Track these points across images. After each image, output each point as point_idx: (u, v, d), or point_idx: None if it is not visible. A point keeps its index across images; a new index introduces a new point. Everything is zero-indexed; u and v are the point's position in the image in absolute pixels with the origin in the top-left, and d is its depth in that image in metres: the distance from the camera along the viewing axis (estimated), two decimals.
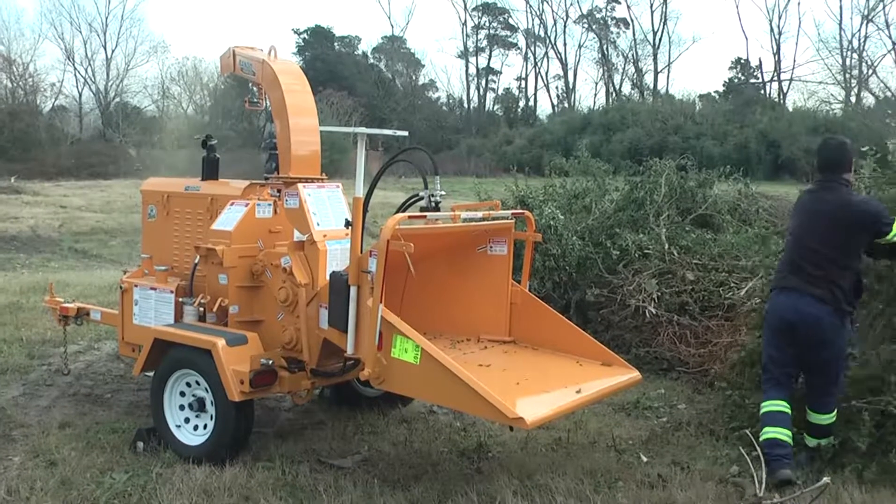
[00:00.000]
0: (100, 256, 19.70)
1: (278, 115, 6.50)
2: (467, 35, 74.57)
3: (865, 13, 59.64)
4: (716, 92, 64.99)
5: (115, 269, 15.57)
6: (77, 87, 61.20)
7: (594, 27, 72.29)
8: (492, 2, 73.94)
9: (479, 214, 6.29)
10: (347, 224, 5.80)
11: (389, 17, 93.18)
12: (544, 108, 75.20)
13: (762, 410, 5.80)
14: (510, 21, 74.92)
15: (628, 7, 71.59)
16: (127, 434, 6.43)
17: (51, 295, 8.00)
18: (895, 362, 5.94)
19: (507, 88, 76.94)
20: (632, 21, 71.31)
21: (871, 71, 60.56)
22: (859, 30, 61.13)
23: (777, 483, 5.41)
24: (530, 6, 74.88)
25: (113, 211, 26.77)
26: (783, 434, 5.63)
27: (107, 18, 62.20)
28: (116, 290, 7.38)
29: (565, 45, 73.75)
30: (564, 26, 72.97)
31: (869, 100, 59.13)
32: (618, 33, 72.66)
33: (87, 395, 7.64)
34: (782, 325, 5.80)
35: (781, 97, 63.45)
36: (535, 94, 75.43)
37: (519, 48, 75.34)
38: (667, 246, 9.47)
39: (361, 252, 5.45)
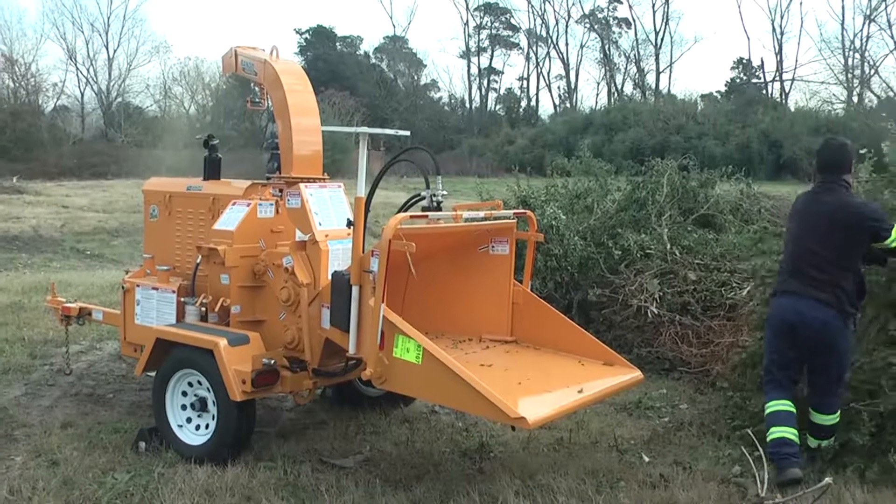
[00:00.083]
0: (102, 256, 19.71)
1: (280, 115, 6.50)
2: (469, 35, 74.68)
3: (867, 13, 59.71)
4: (718, 92, 65.09)
5: (116, 269, 15.59)
6: (79, 87, 61.42)
7: (596, 27, 72.33)
8: (494, 2, 73.98)
9: (481, 214, 6.29)
10: (349, 224, 5.79)
11: (391, 17, 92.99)
12: (546, 108, 75.37)
13: (767, 411, 5.77)
14: (512, 21, 75.06)
15: (630, 7, 71.76)
16: (129, 434, 6.43)
17: (53, 295, 8.00)
18: (893, 366, 5.92)
19: (509, 88, 77.07)
20: (634, 21, 71.48)
21: (873, 71, 60.68)
22: (861, 30, 61.27)
23: (787, 482, 5.39)
24: (532, 6, 74.72)
25: (115, 211, 26.77)
26: (790, 433, 5.61)
27: (109, 18, 62.36)
28: (118, 290, 7.38)
29: (567, 45, 73.82)
30: (566, 26, 73.06)
31: (871, 100, 59.18)
32: (620, 33, 72.80)
33: (89, 395, 7.64)
34: (784, 329, 5.78)
35: (783, 97, 63.51)
36: (536, 94, 75.76)
37: (521, 48, 75.46)
38: (669, 246, 9.46)
39: (363, 252, 5.44)
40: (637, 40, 70.91)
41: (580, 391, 5.48)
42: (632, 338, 8.86)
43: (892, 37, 58.02)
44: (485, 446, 6.39)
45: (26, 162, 43.21)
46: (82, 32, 62.84)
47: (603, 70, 73.43)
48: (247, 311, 6.31)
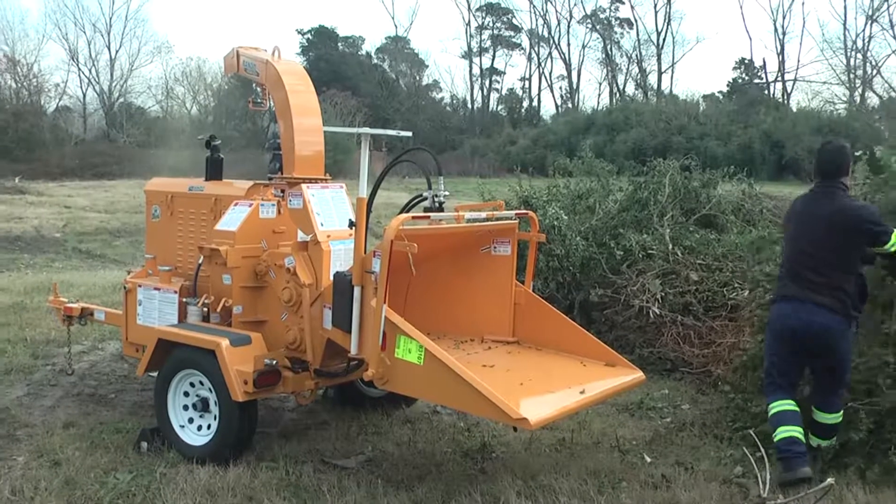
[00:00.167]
0: (104, 256, 19.71)
1: (282, 115, 6.51)
2: (471, 35, 74.67)
3: (870, 13, 59.67)
4: (720, 92, 65.07)
5: (118, 270, 15.59)
6: (81, 87, 61.45)
7: (598, 27, 72.28)
8: (495, 2, 73.98)
9: (483, 215, 6.29)
10: (351, 224, 5.80)
11: (393, 18, 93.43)
12: (548, 109, 75.41)
13: (772, 411, 5.73)
14: (514, 21, 75.04)
15: (632, 7, 71.60)
16: (131, 434, 6.44)
17: (55, 295, 8.01)
18: (890, 365, 5.91)
19: (511, 89, 77.06)
20: (635, 21, 71.49)
21: (875, 71, 60.62)
22: (863, 30, 61.46)
23: (797, 480, 5.36)
24: (534, 6, 74.79)
25: (117, 211, 26.79)
26: (798, 432, 5.59)
27: (111, 19, 62.46)
28: (120, 290, 7.39)
29: (569, 45, 73.90)
30: (568, 26, 73.08)
31: (873, 100, 59.14)
32: (622, 33, 72.76)
33: (91, 396, 7.65)
34: (786, 334, 5.75)
35: (785, 97, 63.46)
36: (538, 95, 75.76)
37: (523, 48, 75.44)
38: (671, 246, 9.46)
39: (365, 252, 5.44)
40: (639, 40, 70.98)
41: (582, 392, 5.48)
42: (633, 338, 8.86)
43: (895, 37, 57.99)
44: (487, 447, 6.39)
45: (28, 162, 43.25)
46: (84, 33, 62.95)
47: (605, 70, 73.51)
48: (249, 311, 6.31)
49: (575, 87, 73.43)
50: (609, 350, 6.18)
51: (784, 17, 73.92)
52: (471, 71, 74.48)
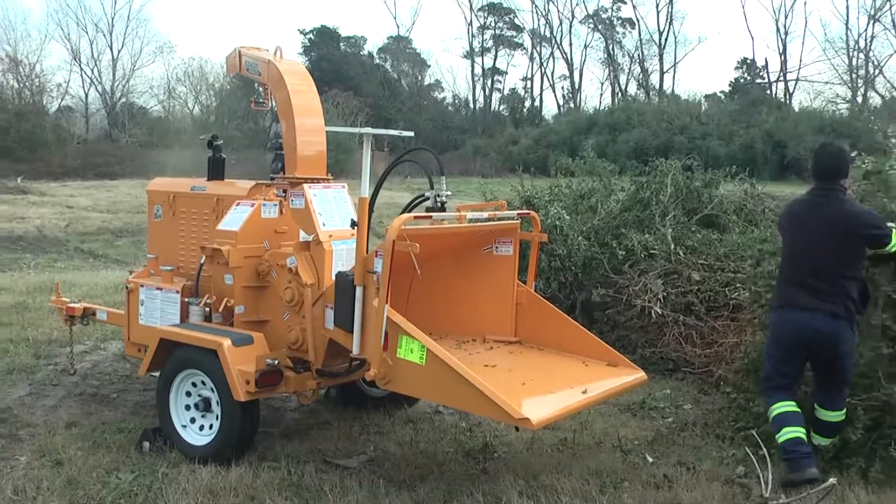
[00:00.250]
0: (106, 256, 19.74)
1: (284, 115, 6.51)
2: (473, 35, 74.64)
3: (872, 13, 59.61)
4: (722, 92, 64.97)
5: (121, 270, 15.61)
6: (83, 87, 61.52)
7: (600, 27, 72.26)
8: (497, 2, 73.94)
9: (485, 215, 6.29)
10: (353, 224, 5.80)
11: (395, 18, 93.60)
12: (550, 109, 75.41)
13: (774, 413, 5.70)
14: (516, 21, 74.97)
15: (634, 7, 71.54)
16: (133, 434, 6.44)
17: (57, 295, 8.01)
18: (884, 355, 5.90)
19: (513, 89, 77.05)
20: (637, 21, 71.40)
21: (877, 71, 60.61)
22: (866, 30, 61.23)
23: (805, 481, 5.34)
24: (536, 6, 74.78)
25: (119, 211, 26.83)
26: (802, 433, 5.58)
27: (113, 19, 62.51)
28: (122, 290, 7.39)
29: (571, 45, 74.12)
30: (570, 26, 73.18)
31: (875, 100, 59.09)
32: (623, 33, 72.71)
33: (94, 395, 7.66)
34: (795, 342, 5.69)
35: (787, 97, 63.41)
36: (540, 95, 75.44)
37: (524, 48, 75.40)
38: (673, 246, 9.45)
39: (367, 252, 5.45)
40: (641, 40, 70.90)
41: (584, 392, 5.48)
42: (635, 338, 8.85)
43: None
44: (488, 447, 6.39)
45: (31, 162, 43.27)
46: (86, 33, 63.10)
47: (607, 70, 73.47)
48: (251, 311, 6.32)
49: (577, 86, 73.51)
50: (611, 350, 6.18)
51: (786, 17, 74.44)
52: (473, 71, 74.55)
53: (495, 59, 74.86)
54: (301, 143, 6.36)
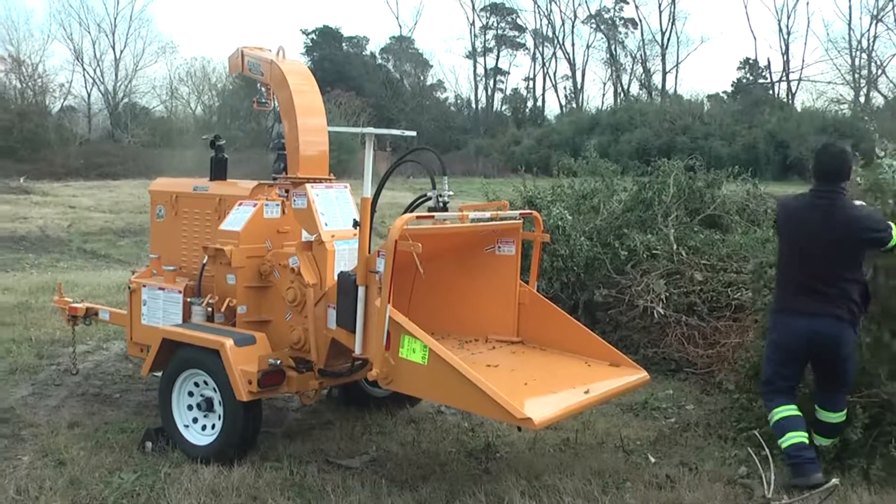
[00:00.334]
0: (108, 256, 19.75)
1: (286, 115, 6.51)
2: (475, 35, 74.59)
3: (875, 13, 59.59)
4: (724, 92, 64.89)
5: (123, 270, 15.62)
6: (86, 87, 61.44)
7: (602, 27, 72.23)
8: (500, 2, 73.92)
9: (488, 215, 6.29)
10: (355, 224, 5.79)
11: (397, 18, 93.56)
12: (552, 109, 75.18)
13: (776, 417, 5.67)
14: (518, 21, 74.94)
15: (636, 7, 71.51)
16: (135, 434, 6.45)
17: (59, 295, 8.02)
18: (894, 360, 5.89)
19: (516, 89, 77.05)
20: (640, 21, 71.29)
21: (880, 71, 60.52)
22: (868, 30, 61.11)
23: (811, 486, 5.31)
24: (538, 6, 74.58)
25: (121, 211, 26.84)
26: (805, 437, 5.55)
27: (115, 19, 62.42)
28: (125, 290, 7.40)
29: (573, 45, 74.05)
30: (572, 26, 73.13)
31: (878, 100, 59.04)
32: (626, 33, 72.64)
33: (96, 395, 7.66)
34: (795, 346, 5.65)
35: (790, 97, 63.36)
36: (543, 95, 75.40)
37: (527, 48, 75.35)
38: (675, 246, 9.45)
39: (369, 252, 5.45)
40: (643, 40, 70.81)
41: (586, 392, 5.48)
42: (638, 338, 8.85)
43: None
44: (491, 447, 6.39)
45: (33, 162, 43.30)
46: (89, 33, 63.02)
47: (609, 70, 73.40)
48: (253, 311, 6.32)
49: (579, 87, 73.48)
50: (613, 350, 6.18)
51: (789, 17, 74.23)
52: (475, 71, 74.52)
53: (497, 60, 74.91)
54: (303, 143, 6.36)
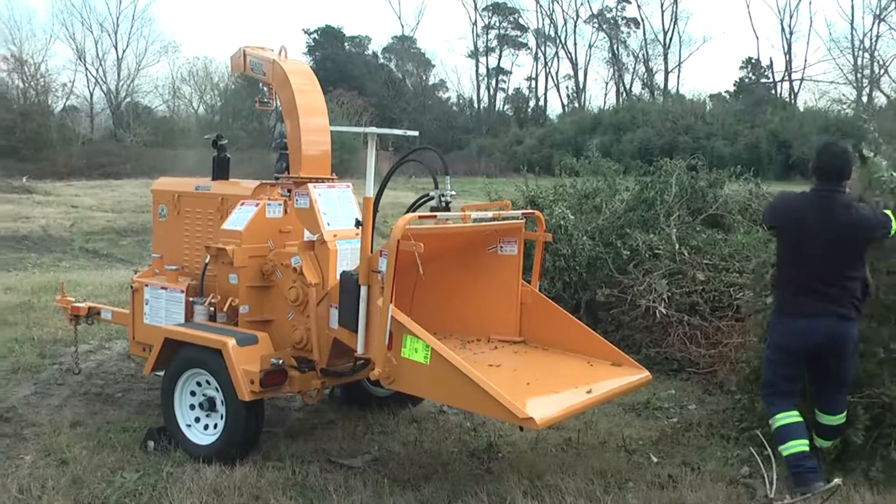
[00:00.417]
0: (111, 256, 19.74)
1: (289, 115, 6.51)
2: (477, 35, 74.62)
3: (877, 13, 59.52)
4: (726, 92, 64.92)
5: (125, 269, 15.62)
6: (88, 87, 61.53)
7: (604, 27, 72.23)
8: (502, 2, 73.97)
9: (490, 214, 6.29)
10: (358, 224, 5.80)
11: (400, 17, 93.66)
12: (554, 108, 75.23)
13: (778, 424, 5.60)
14: (520, 21, 74.98)
15: (639, 7, 71.48)
16: (138, 433, 6.45)
17: (62, 294, 8.03)
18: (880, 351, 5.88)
19: (518, 88, 77.02)
20: (642, 21, 71.32)
21: (882, 71, 60.44)
22: (871, 29, 61.00)
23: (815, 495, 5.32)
24: (540, 6, 74.59)
25: (124, 210, 26.82)
26: (807, 446, 5.51)
27: (118, 19, 62.50)
28: (127, 289, 7.41)
29: (575, 44, 73.91)
30: (575, 26, 72.96)
31: (881, 100, 58.98)
32: (628, 33, 72.64)
33: (98, 395, 7.67)
34: (798, 348, 5.59)
35: (792, 97, 63.34)
36: (545, 94, 75.43)
37: (529, 48, 75.38)
38: (677, 246, 9.44)
39: (372, 252, 5.45)
40: (645, 40, 70.84)
41: (588, 391, 5.48)
42: (640, 338, 8.84)
43: None
44: (493, 446, 6.39)
45: (36, 162, 43.35)
46: (91, 33, 63.09)
47: (611, 70, 73.42)
48: (255, 310, 6.32)
49: (581, 86, 73.42)
50: (615, 350, 6.18)
51: (791, 17, 73.98)
52: (477, 70, 74.60)
53: (500, 59, 74.94)
54: (306, 142, 6.36)
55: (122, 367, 8.55)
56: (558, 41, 73.33)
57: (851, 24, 62.08)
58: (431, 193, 5.98)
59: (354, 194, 6.45)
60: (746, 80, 65.71)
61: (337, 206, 6.24)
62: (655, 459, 6.14)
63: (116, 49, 61.76)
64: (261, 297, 6.34)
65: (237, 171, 7.46)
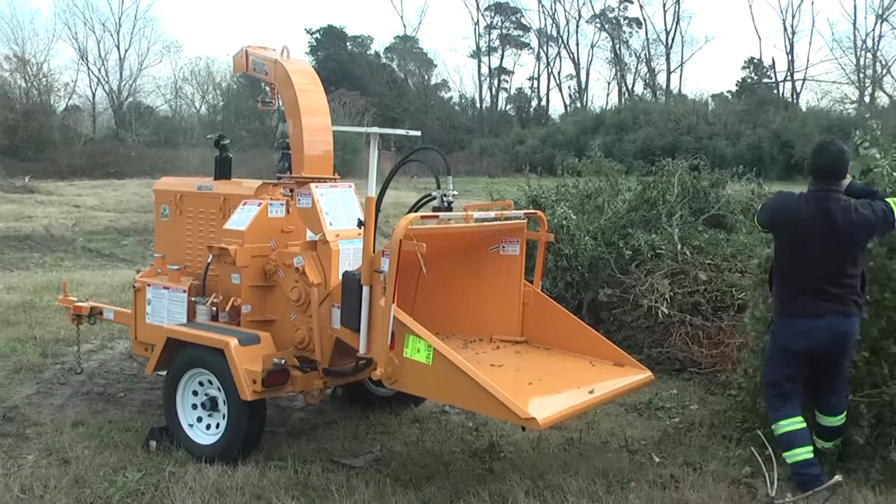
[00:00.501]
0: (113, 255, 19.75)
1: (291, 114, 6.51)
2: (480, 35, 74.50)
3: (880, 12, 59.38)
4: (728, 92, 64.80)
5: (128, 269, 15.62)
6: (90, 86, 61.56)
7: (607, 27, 72.13)
8: (504, 1, 73.85)
9: (492, 214, 6.29)
10: (360, 224, 5.80)
11: (402, 17, 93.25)
12: (557, 108, 75.13)
13: (781, 430, 5.58)
14: (522, 21, 74.83)
15: (641, 7, 71.47)
16: (140, 433, 6.45)
17: (64, 294, 8.03)
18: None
19: (520, 88, 76.87)
20: (644, 21, 71.18)
21: (885, 71, 60.33)
22: (873, 29, 60.92)
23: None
24: (543, 6, 74.50)
25: (126, 210, 26.83)
26: (811, 452, 5.50)
27: (120, 18, 62.51)
28: (129, 289, 7.41)
29: (578, 44, 73.21)
30: (577, 26, 72.84)
31: (883, 100, 58.91)
32: (630, 33, 72.50)
33: (101, 394, 7.67)
34: (802, 349, 5.56)
35: (795, 97, 63.22)
36: (547, 94, 75.52)
37: (531, 48, 75.26)
38: (679, 246, 9.44)
39: (374, 252, 5.45)
40: (648, 40, 70.74)
41: (591, 392, 5.48)
42: (642, 338, 8.84)
43: None
44: (495, 446, 6.39)
45: (38, 161, 43.37)
46: (94, 32, 63.05)
47: (613, 70, 73.28)
48: (257, 310, 6.32)
49: (583, 86, 73.32)
50: (618, 350, 6.18)
51: (793, 17, 74.15)
52: (479, 70, 74.47)
53: (502, 59, 74.82)
54: (308, 142, 6.36)
55: (125, 367, 8.56)
56: (560, 41, 73.29)
57: (854, 23, 62.09)
58: (434, 193, 5.99)
59: (356, 194, 6.45)
60: (749, 80, 65.62)
61: (339, 206, 6.25)
62: (657, 459, 6.14)
63: (119, 49, 61.82)
64: (263, 297, 6.35)
65: (239, 170, 7.46)
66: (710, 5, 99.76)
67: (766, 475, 5.34)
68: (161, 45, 79.27)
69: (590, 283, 9.59)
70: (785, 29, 66.28)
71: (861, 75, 60.62)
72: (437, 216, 5.90)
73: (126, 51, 62.01)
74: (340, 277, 5.80)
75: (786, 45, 69.41)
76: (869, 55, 60.72)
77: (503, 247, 6.42)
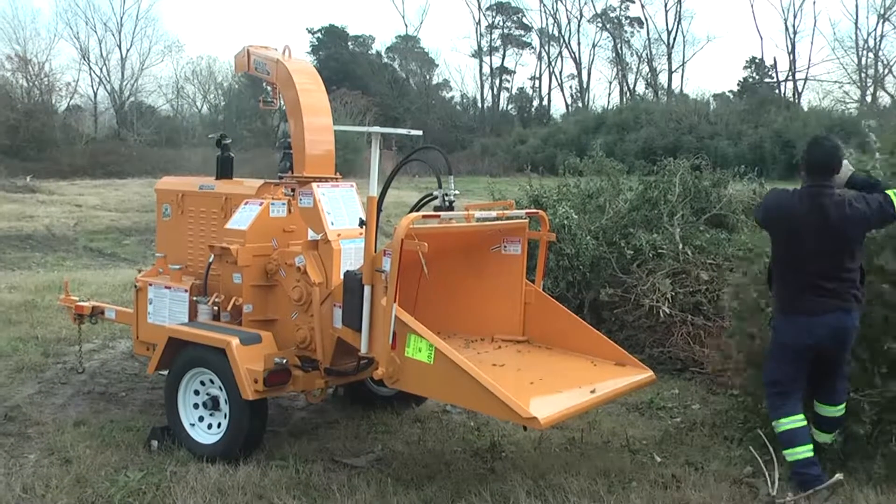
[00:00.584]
0: (114, 255, 19.77)
1: (292, 114, 6.51)
2: (481, 34, 74.52)
3: (881, 12, 59.35)
4: (730, 91, 64.76)
5: (129, 268, 15.63)
6: (92, 86, 61.62)
7: (608, 26, 72.12)
8: (506, 1, 73.85)
9: (493, 214, 6.29)
10: (361, 223, 5.80)
11: (403, 17, 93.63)
12: (558, 108, 75.16)
13: (783, 428, 5.56)
14: (524, 20, 74.84)
15: (642, 6, 71.56)
16: (141, 432, 6.46)
17: (66, 293, 8.04)
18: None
19: (521, 88, 76.88)
20: (646, 20, 71.19)
21: (887, 70, 60.32)
22: (875, 29, 61.07)
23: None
24: (544, 5, 74.51)
25: (128, 210, 26.84)
26: (812, 450, 5.49)
27: (122, 18, 62.59)
28: (131, 288, 7.41)
29: (579, 44, 73.50)
30: (578, 25, 72.88)
31: (885, 99, 58.87)
32: (632, 32, 72.49)
33: (102, 394, 7.68)
34: (804, 346, 5.54)
35: (796, 97, 63.16)
36: (548, 94, 75.64)
37: (533, 47, 75.27)
38: (681, 246, 9.44)
39: (375, 251, 5.45)
40: (649, 39, 70.74)
41: (592, 391, 5.48)
42: (644, 338, 8.84)
43: None
44: (496, 446, 6.38)
45: (40, 161, 43.39)
46: (95, 32, 63.11)
47: (615, 69, 73.30)
48: (259, 310, 6.32)
49: (585, 86, 73.35)
50: (619, 349, 6.18)
51: (795, 16, 74.36)
52: (481, 70, 74.48)
53: (503, 59, 74.83)
54: (309, 142, 6.36)
55: (126, 367, 8.56)
56: (562, 41, 73.29)
57: (856, 23, 62.16)
58: (435, 193, 5.99)
59: (358, 194, 6.45)
60: (750, 80, 65.58)
61: (341, 206, 6.25)
62: (659, 459, 6.14)
63: (120, 48, 61.90)
64: (264, 297, 6.35)
65: (241, 170, 7.47)
66: (712, 5, 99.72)
67: (768, 475, 5.34)
68: (163, 45, 79.84)
69: (591, 282, 9.59)
70: (786, 28, 66.32)
71: (863, 75, 60.63)
72: (439, 216, 5.90)
73: (128, 50, 62.18)
74: (342, 277, 5.80)
75: (787, 45, 69.36)
76: (871, 55, 60.74)
77: (505, 246, 6.42)
